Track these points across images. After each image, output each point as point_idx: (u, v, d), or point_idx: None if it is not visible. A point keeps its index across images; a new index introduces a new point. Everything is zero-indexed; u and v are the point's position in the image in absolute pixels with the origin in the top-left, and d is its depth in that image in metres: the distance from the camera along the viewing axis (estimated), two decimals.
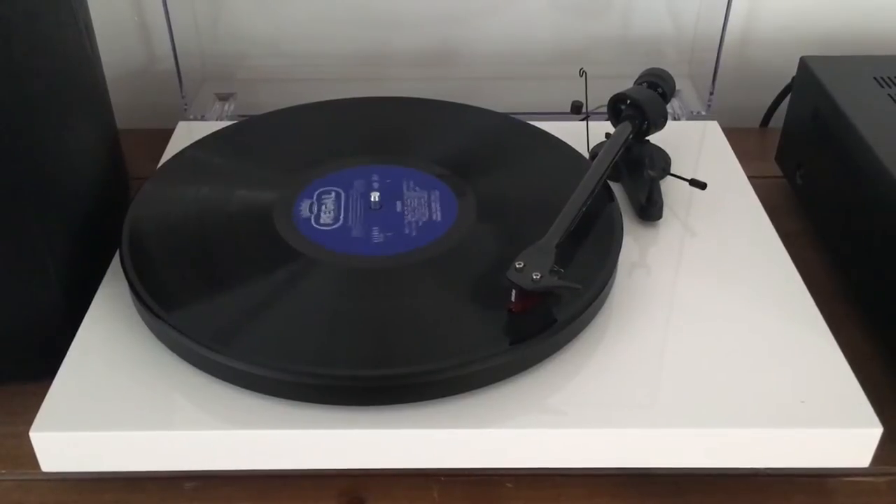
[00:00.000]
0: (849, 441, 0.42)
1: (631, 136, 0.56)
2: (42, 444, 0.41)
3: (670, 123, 0.58)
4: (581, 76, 0.57)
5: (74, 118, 0.50)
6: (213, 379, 0.43)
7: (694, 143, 0.63)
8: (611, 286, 0.48)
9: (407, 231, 0.50)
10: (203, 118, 0.70)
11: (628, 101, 0.57)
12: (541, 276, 0.43)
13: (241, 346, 0.42)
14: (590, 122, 0.59)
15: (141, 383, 0.43)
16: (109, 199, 0.54)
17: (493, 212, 0.52)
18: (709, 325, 0.47)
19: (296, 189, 0.53)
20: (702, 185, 0.54)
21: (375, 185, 0.54)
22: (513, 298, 0.44)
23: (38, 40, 0.45)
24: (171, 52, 0.69)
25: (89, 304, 0.48)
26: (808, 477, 0.44)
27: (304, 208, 0.51)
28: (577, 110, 0.58)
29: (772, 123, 0.75)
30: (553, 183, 0.54)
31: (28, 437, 0.41)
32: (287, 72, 0.75)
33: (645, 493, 0.44)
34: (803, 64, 0.62)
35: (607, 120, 0.59)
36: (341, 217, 0.51)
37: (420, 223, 0.51)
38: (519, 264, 0.44)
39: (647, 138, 0.58)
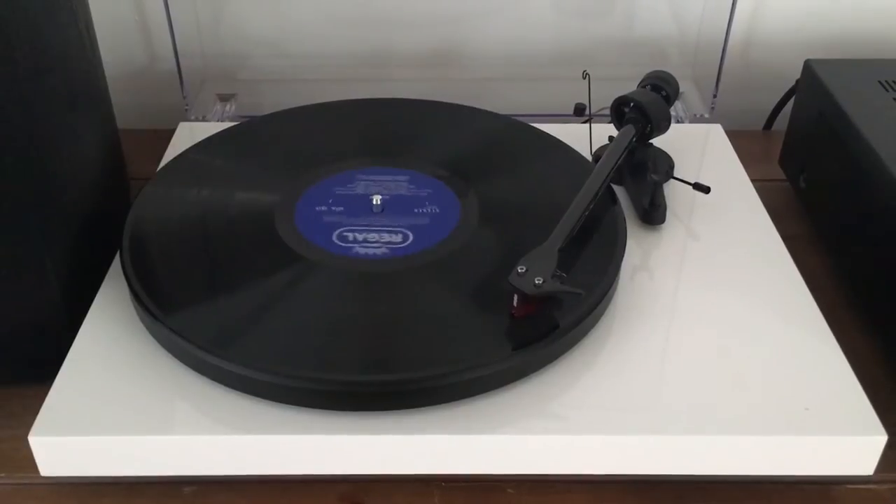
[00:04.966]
0: (853, 449, 0.41)
1: (634, 140, 0.55)
2: (41, 449, 0.41)
3: (673, 126, 0.58)
4: (584, 78, 0.56)
5: (75, 118, 0.49)
6: (213, 383, 0.43)
7: (697, 146, 0.62)
8: (613, 291, 0.48)
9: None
10: (204, 119, 0.69)
11: (632, 104, 0.56)
12: (543, 281, 0.43)
13: (241, 351, 0.42)
14: (592, 125, 0.59)
15: (140, 387, 0.43)
16: (110, 200, 0.54)
17: (495, 215, 0.51)
18: (712, 330, 0.47)
19: (297, 191, 0.53)
20: (705, 189, 0.54)
21: (377, 187, 0.53)
22: (515, 303, 0.43)
23: (38, 41, 0.44)
24: (173, 52, 0.69)
25: (89, 306, 0.47)
26: (812, 484, 0.44)
27: (357, 248, 0.48)
28: (580, 112, 0.57)
29: (775, 126, 0.75)
30: (555, 186, 0.54)
31: (27, 440, 0.41)
32: (289, 72, 0.75)
33: (647, 500, 0.43)
34: (808, 67, 0.62)
35: (610, 122, 0.58)
36: (380, 236, 0.49)
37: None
38: (521, 269, 0.43)
39: (651, 141, 0.57)
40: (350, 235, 0.49)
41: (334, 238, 0.49)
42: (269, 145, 0.58)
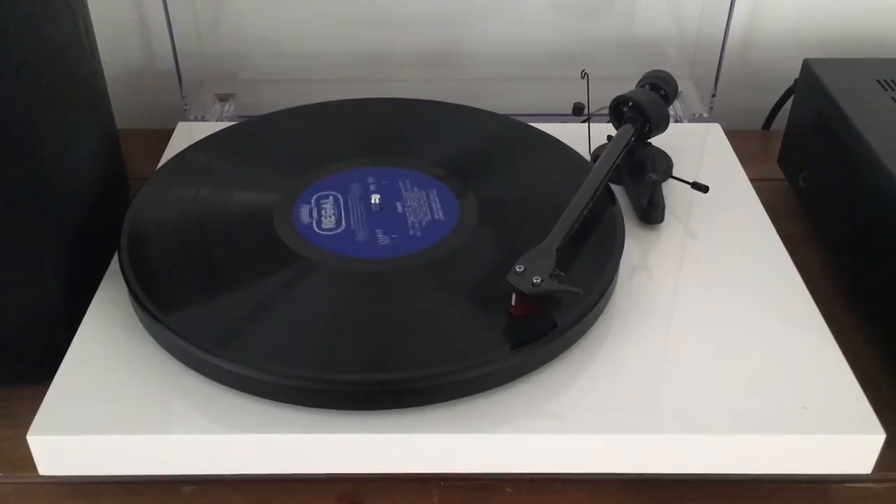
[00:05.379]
0: (851, 447, 0.41)
1: (633, 139, 0.55)
2: (40, 448, 0.41)
3: (672, 125, 0.58)
4: (583, 78, 0.57)
5: (74, 118, 0.49)
6: (212, 382, 0.43)
7: (696, 146, 0.62)
8: (612, 290, 0.48)
9: (407, 234, 0.50)
10: (203, 119, 0.70)
11: (630, 104, 0.56)
12: (541, 280, 0.43)
13: (240, 350, 0.42)
14: (591, 124, 0.59)
15: (139, 387, 0.43)
16: (108, 199, 0.54)
17: (493, 214, 0.51)
18: (710, 329, 0.47)
19: (296, 191, 0.53)
20: (704, 189, 0.54)
21: (376, 186, 0.53)
22: (513, 302, 0.44)
23: (37, 41, 0.44)
24: (172, 52, 0.69)
25: (88, 306, 0.47)
26: (810, 483, 0.44)
27: (305, 213, 0.50)
28: (579, 112, 0.57)
29: (774, 126, 0.75)
30: (554, 185, 0.54)
31: (26, 439, 0.41)
32: (287, 72, 0.75)
33: (646, 499, 0.43)
34: (806, 66, 0.62)
35: (609, 122, 0.58)
36: (342, 221, 0.50)
37: (420, 226, 0.50)
38: (519, 268, 0.44)
39: (649, 141, 0.57)
40: (324, 202, 0.51)
41: (312, 201, 0.51)
42: (268, 145, 0.58)
